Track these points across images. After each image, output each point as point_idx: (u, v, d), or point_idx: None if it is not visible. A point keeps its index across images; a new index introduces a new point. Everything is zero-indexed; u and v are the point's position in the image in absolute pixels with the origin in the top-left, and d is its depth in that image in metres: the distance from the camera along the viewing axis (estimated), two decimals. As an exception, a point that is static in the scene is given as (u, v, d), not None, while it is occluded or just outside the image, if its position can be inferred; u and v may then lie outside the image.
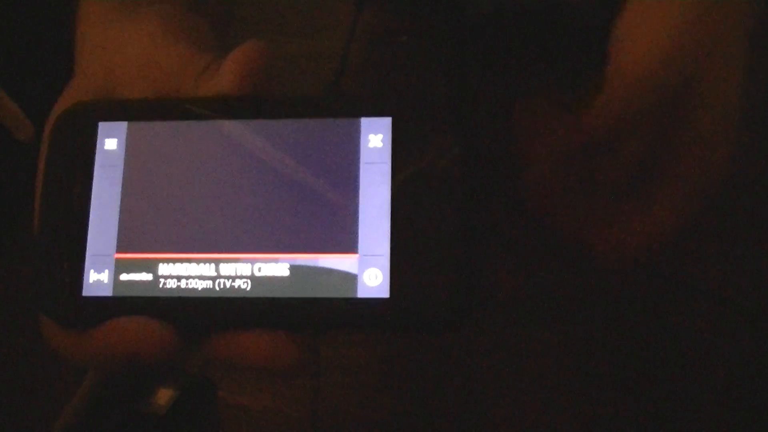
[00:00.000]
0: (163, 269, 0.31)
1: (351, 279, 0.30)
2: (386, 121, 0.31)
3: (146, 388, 0.44)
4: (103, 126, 0.32)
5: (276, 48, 0.32)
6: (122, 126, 0.32)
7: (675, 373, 0.52)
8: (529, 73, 0.61)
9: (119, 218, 0.31)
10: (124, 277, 0.31)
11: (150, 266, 0.31)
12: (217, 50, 0.34)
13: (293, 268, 0.30)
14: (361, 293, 0.29)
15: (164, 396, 0.51)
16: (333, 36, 0.64)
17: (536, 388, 0.52)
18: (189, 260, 0.30)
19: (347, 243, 0.30)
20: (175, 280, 0.30)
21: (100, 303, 0.31)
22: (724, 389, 0.51)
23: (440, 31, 0.64)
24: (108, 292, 0.31)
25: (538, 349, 0.53)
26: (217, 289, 0.30)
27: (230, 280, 0.30)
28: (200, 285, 0.30)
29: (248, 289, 0.30)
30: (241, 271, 0.30)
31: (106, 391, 0.44)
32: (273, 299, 0.30)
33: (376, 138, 0.31)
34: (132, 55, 0.34)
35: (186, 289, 0.30)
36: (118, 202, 0.31)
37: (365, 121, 0.31)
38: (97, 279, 0.31)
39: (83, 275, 0.31)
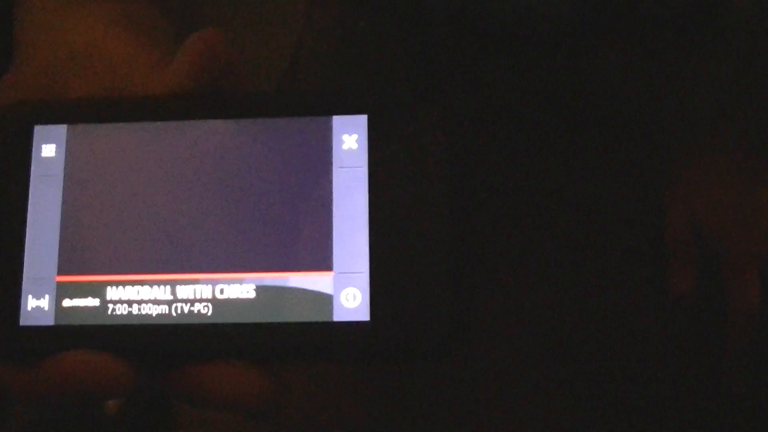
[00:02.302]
0: (112, 293, 0.27)
1: (326, 300, 0.26)
2: (361, 119, 0.28)
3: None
4: (39, 129, 0.28)
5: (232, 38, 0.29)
6: (61, 129, 0.28)
7: (652, 390, 0.51)
8: (496, 78, 0.59)
9: (60, 235, 0.28)
10: (67, 303, 0.27)
11: (96, 290, 0.27)
12: (172, 42, 0.31)
13: (260, 290, 0.27)
14: (338, 316, 0.26)
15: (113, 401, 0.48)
16: (288, 26, 0.61)
17: (508, 396, 0.51)
18: (141, 282, 0.27)
19: (320, 259, 0.27)
20: (125, 305, 0.27)
21: (40, 333, 0.27)
22: (692, 389, 0.51)
23: (400, 29, 0.61)
24: (49, 321, 0.27)
25: (509, 361, 0.52)
26: (174, 314, 0.27)
27: (189, 305, 0.27)
28: (155, 310, 0.27)
29: (209, 314, 0.27)
30: (200, 294, 0.27)
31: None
32: (237, 325, 0.26)
33: (350, 139, 0.28)
34: (77, 46, 0.31)
35: (138, 316, 0.27)
36: (59, 217, 0.28)
37: (338, 120, 0.28)
38: (37, 305, 0.27)
39: (20, 302, 0.27)
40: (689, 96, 0.58)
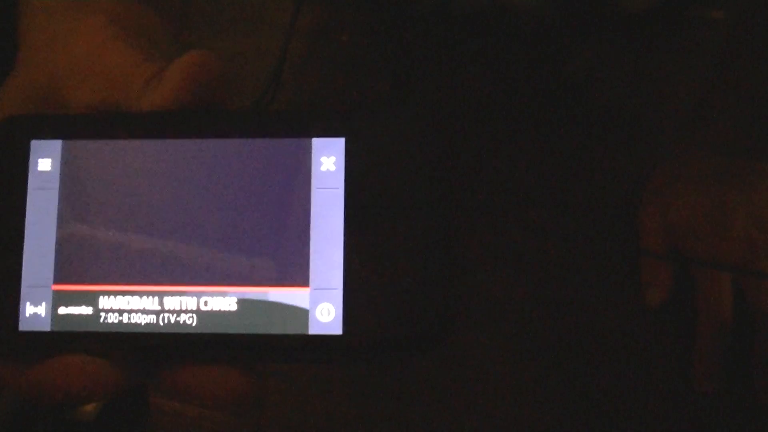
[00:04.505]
0: (104, 302, 0.29)
1: (302, 314, 0.28)
2: (339, 142, 0.29)
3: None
4: (36, 144, 0.30)
5: (218, 46, 0.30)
6: (57, 144, 0.30)
7: (625, 388, 0.52)
8: (475, 73, 0.60)
9: (56, 246, 0.29)
10: (62, 310, 0.29)
11: (90, 299, 0.29)
12: (170, 52, 0.32)
13: (241, 302, 0.28)
14: (313, 329, 0.28)
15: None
16: (275, 33, 0.62)
17: (478, 386, 0.52)
18: (131, 293, 0.29)
19: (298, 275, 0.28)
20: (116, 314, 0.29)
21: (38, 338, 0.29)
22: (664, 386, 0.52)
23: (383, 27, 0.62)
24: (46, 327, 0.29)
25: (476, 353, 0.53)
26: (162, 324, 0.29)
27: (175, 315, 0.29)
28: (143, 319, 0.29)
29: (194, 324, 0.28)
30: (186, 305, 0.29)
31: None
32: (220, 335, 0.28)
33: (328, 161, 0.29)
34: (78, 55, 0.32)
35: (128, 324, 0.29)
36: (55, 229, 0.29)
37: (317, 142, 0.29)
38: (34, 312, 0.29)
39: (19, 308, 0.29)
40: (665, 98, 0.59)
